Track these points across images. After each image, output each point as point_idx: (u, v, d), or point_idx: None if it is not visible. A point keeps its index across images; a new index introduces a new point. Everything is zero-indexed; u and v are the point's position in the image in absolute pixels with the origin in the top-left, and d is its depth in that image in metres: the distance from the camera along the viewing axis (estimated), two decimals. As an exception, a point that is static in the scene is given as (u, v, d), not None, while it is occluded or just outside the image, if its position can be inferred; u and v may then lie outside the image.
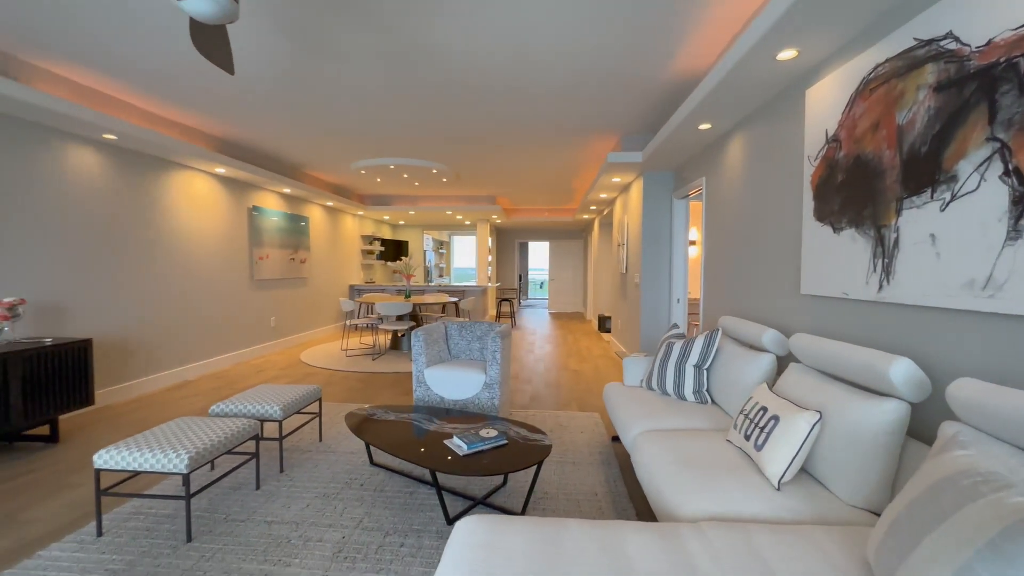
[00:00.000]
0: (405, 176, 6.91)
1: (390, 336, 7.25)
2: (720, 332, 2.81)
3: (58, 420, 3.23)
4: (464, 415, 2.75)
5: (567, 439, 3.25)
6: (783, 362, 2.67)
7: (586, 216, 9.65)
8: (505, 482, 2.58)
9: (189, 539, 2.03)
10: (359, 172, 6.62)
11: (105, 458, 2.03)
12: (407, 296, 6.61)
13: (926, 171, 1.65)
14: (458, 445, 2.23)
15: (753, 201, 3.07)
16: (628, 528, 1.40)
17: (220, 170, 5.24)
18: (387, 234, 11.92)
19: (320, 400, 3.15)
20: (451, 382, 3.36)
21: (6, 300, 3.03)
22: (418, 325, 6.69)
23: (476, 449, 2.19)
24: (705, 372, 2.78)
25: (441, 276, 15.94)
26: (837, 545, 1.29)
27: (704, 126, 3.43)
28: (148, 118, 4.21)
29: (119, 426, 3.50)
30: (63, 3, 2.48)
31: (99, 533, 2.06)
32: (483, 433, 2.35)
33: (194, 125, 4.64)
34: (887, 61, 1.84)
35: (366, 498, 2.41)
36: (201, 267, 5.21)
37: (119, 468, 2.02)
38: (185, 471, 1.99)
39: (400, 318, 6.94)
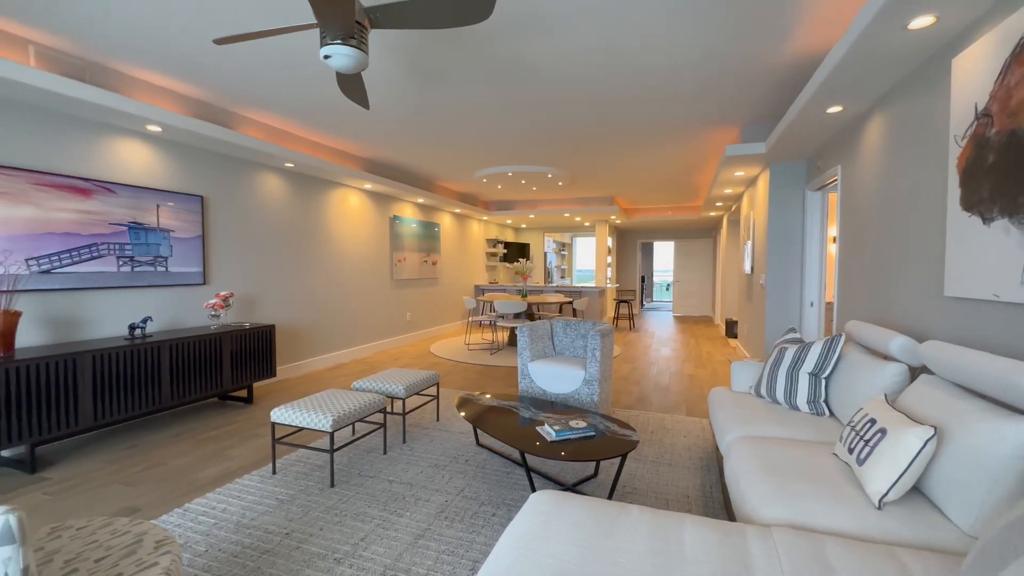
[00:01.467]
0: (523, 182, 7.29)
1: (508, 332, 7.69)
2: (843, 338, 2.53)
3: (252, 386, 4.18)
4: (561, 408, 2.90)
5: (668, 441, 3.20)
6: (917, 375, 2.31)
7: (712, 213, 9.01)
8: (596, 473, 2.68)
9: (332, 484, 2.53)
10: (482, 180, 7.17)
11: (278, 414, 2.64)
12: (523, 296, 6.97)
13: (1095, 146, 1.35)
14: (547, 432, 2.40)
15: (891, 190, 2.69)
16: (690, 520, 1.43)
17: (367, 186, 6.16)
18: (510, 237, 12.55)
19: (438, 385, 3.59)
20: (552, 376, 3.54)
21: (222, 293, 4.04)
22: (533, 323, 7.00)
23: (563, 437, 2.34)
24: (823, 381, 2.53)
25: (563, 277, 16.20)
26: (924, 569, 1.17)
27: (834, 109, 3.08)
28: (314, 147, 5.17)
29: (293, 394, 4.40)
30: (254, 70, 3.25)
31: (273, 471, 2.69)
32: (572, 424, 2.49)
33: (347, 150, 5.55)
34: (1048, 17, 1.53)
35: (469, 472, 2.72)
36: (352, 269, 6.18)
37: (287, 423, 2.62)
38: (330, 429, 2.49)
39: (516, 316, 7.33)
